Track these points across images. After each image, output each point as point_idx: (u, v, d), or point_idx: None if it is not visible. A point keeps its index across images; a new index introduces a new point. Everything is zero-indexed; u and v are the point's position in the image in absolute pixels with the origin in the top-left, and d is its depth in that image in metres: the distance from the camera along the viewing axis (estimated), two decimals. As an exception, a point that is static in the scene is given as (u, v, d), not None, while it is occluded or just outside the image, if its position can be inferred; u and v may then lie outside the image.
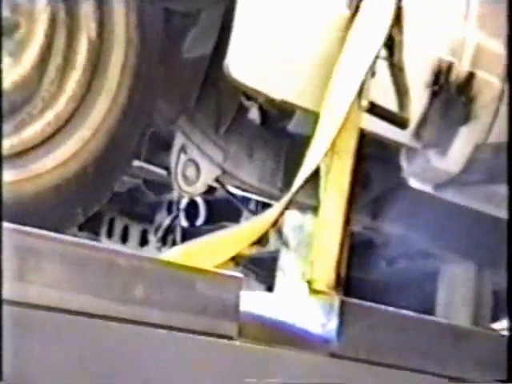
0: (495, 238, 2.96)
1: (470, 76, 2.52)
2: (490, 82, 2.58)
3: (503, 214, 2.79)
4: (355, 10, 2.16)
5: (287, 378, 1.80)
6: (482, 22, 2.55)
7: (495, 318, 3.62)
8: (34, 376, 1.48)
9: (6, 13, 1.78)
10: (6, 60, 1.79)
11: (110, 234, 3.17)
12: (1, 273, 1.40)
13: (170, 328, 1.65)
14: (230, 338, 1.71)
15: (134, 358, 1.61)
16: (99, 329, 1.57)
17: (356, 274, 2.17)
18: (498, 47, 2.60)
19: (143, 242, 3.21)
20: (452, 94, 2.49)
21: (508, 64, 2.42)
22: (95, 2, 1.90)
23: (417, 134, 2.46)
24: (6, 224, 1.51)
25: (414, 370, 2.02)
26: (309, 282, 1.97)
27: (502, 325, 3.80)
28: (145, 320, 1.62)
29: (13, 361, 1.45)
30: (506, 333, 3.40)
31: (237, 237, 2.09)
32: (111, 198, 2.10)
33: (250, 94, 2.36)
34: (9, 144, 1.79)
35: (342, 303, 1.92)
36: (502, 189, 2.67)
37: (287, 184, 2.11)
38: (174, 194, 2.70)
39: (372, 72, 2.13)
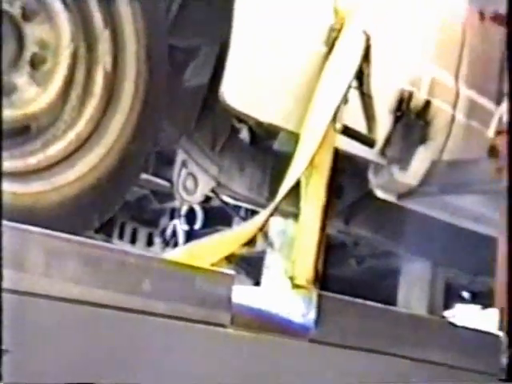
0: (447, 241, 2.97)
1: (427, 104, 2.54)
2: (443, 108, 2.60)
3: (455, 220, 2.80)
4: (331, 47, 2.17)
5: (272, 361, 1.80)
6: (436, 59, 2.57)
7: (447, 307, 3.63)
8: (56, 357, 1.48)
9: (34, 49, 1.78)
10: (35, 89, 1.78)
11: (121, 236, 3.15)
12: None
13: (173, 317, 1.64)
14: (224, 326, 1.70)
15: (141, 342, 1.61)
16: (111, 318, 1.57)
17: (331, 271, 2.17)
18: (450, 80, 2.62)
19: (149, 243, 3.20)
20: (412, 119, 2.50)
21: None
22: (110, 40, 1.89)
23: (382, 152, 2.47)
24: (34, 228, 1.51)
25: (380, 352, 2.02)
26: (291, 278, 1.97)
27: (452, 313, 3.82)
28: (151, 310, 1.61)
29: (36, 346, 1.45)
30: (454, 320, 3.41)
31: (230, 239, 2.09)
32: (122, 205, 2.09)
33: (241, 118, 2.36)
34: (36, 160, 1.78)
35: (320, 296, 1.91)
36: (455, 199, 2.68)
37: (272, 194, 2.11)
38: (176, 203, 2.69)
39: (345, 99, 2.13)
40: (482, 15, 2.63)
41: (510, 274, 2.02)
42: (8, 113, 1.73)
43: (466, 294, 3.96)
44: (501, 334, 2.35)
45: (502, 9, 2.56)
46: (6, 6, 1.72)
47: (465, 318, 3.78)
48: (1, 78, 1.63)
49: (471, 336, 2.36)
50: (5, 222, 1.47)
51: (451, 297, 3.70)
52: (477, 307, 3.91)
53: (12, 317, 1.42)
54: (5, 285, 1.43)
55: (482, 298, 3.73)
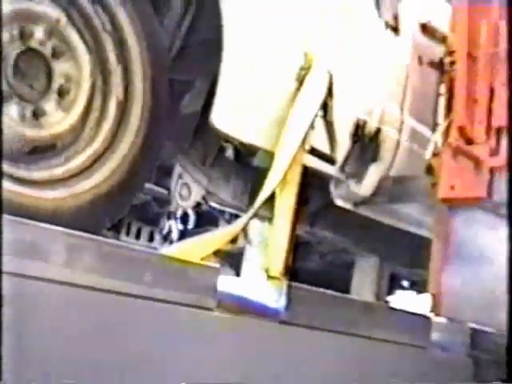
0: (392, 241, 2.98)
1: (378, 130, 2.54)
2: (390, 134, 2.60)
3: (399, 224, 2.81)
4: (301, 83, 2.17)
5: (250, 338, 1.79)
6: (386, 95, 2.58)
7: (390, 293, 3.64)
8: (73, 332, 1.46)
9: (61, 81, 1.77)
10: (61, 114, 1.77)
11: (128, 233, 3.13)
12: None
13: (169, 302, 1.63)
14: (211, 309, 1.70)
15: (143, 322, 1.60)
16: (120, 302, 1.56)
17: (298, 265, 2.16)
18: (396, 111, 2.63)
19: (151, 239, 3.18)
20: (366, 142, 2.50)
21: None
22: (122, 74, 1.88)
23: (342, 169, 2.47)
24: (57, 227, 1.50)
25: (336, 332, 2.02)
26: (266, 270, 1.95)
27: (394, 298, 3.83)
28: (151, 296, 1.60)
29: (57, 324, 1.43)
30: (396, 303, 3.42)
31: (217, 237, 2.07)
32: (129, 208, 2.07)
33: (227, 139, 2.35)
34: (60, 171, 1.77)
35: (289, 286, 1.91)
36: (399, 207, 2.69)
37: (252, 201, 2.09)
38: (173, 207, 2.68)
39: (312, 126, 2.13)
40: (420, 61, 2.64)
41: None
42: (38, 133, 1.73)
43: (405, 283, 3.97)
44: (431, 314, 2.36)
45: (436, 57, 2.58)
46: (40, 47, 1.72)
47: (404, 302, 3.81)
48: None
49: (408, 317, 2.36)
50: (33, 222, 1.47)
51: (394, 285, 3.72)
52: (413, 293, 3.93)
53: (37, 300, 1.42)
54: (32, 273, 1.43)
55: (418, 286, 3.74)
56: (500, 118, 2.35)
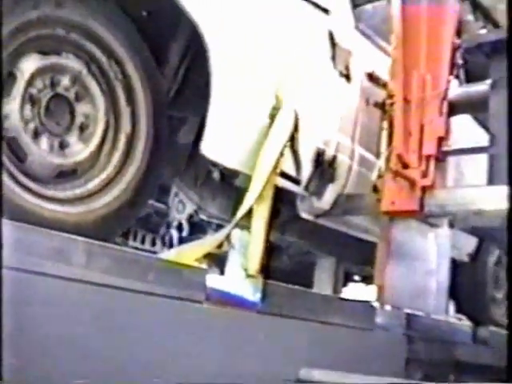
0: (346, 245, 3.00)
1: (334, 157, 2.56)
2: (344, 160, 2.62)
3: (351, 231, 2.82)
4: (272, 119, 2.18)
5: (232, 325, 1.79)
6: (340, 129, 2.61)
7: (344, 286, 3.65)
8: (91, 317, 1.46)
9: (82, 119, 1.78)
10: (81, 145, 1.78)
11: (134, 239, 3.12)
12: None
13: (168, 297, 1.64)
14: (201, 302, 1.71)
15: (148, 312, 1.60)
16: (128, 297, 1.56)
17: (272, 265, 2.17)
18: (348, 142, 2.65)
19: (153, 244, 3.17)
20: (325, 167, 2.51)
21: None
22: (130, 113, 1.89)
23: (306, 188, 2.48)
24: (77, 236, 1.50)
25: (301, 319, 2.03)
26: (245, 270, 1.95)
27: (347, 289, 3.85)
28: (154, 292, 1.61)
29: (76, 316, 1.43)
30: (345, 295, 3.41)
31: (206, 243, 2.07)
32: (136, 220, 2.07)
33: (214, 164, 2.36)
34: (80, 191, 1.77)
35: (264, 282, 1.92)
36: (352, 218, 2.70)
37: (234, 214, 2.10)
38: (171, 218, 2.68)
39: (282, 154, 2.13)
40: (367, 102, 2.68)
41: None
42: (63, 161, 1.74)
43: (357, 278, 4.00)
44: (376, 303, 2.38)
45: (379, 99, 2.62)
46: (65, 93, 1.73)
47: (355, 293, 3.83)
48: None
49: (357, 305, 2.38)
50: (57, 233, 1.47)
51: (348, 279, 3.73)
52: (363, 285, 3.95)
53: (61, 295, 1.42)
54: (58, 274, 1.43)
55: (367, 280, 3.77)
56: (428, 148, 2.41)
